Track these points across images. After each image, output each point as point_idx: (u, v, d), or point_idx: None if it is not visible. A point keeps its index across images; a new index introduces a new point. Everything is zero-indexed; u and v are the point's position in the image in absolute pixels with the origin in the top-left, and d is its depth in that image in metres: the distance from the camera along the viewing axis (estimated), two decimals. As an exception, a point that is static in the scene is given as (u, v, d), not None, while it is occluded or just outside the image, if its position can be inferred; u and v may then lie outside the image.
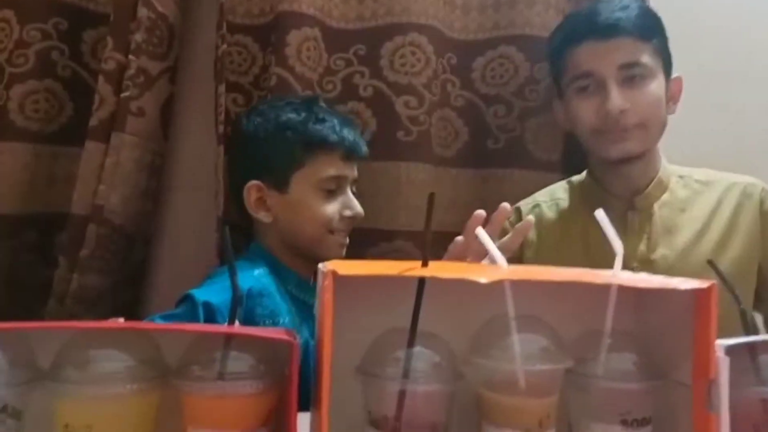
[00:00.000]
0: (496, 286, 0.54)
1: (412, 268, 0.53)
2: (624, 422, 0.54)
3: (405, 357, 0.52)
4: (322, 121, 0.96)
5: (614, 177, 1.04)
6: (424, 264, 0.53)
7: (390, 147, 1.14)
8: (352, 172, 0.98)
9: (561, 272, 0.59)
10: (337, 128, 0.96)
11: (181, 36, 1.15)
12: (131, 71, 1.04)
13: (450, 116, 1.21)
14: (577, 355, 0.56)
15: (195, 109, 1.18)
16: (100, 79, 1.05)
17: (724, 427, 0.51)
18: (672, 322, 0.58)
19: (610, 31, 0.97)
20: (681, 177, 1.06)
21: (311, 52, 1.12)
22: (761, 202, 1.02)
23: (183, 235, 1.16)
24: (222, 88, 1.08)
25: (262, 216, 0.95)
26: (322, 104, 1.02)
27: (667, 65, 1.02)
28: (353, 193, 0.99)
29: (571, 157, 1.18)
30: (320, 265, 0.53)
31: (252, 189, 0.95)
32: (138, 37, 1.04)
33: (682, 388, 0.55)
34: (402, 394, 0.51)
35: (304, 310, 0.94)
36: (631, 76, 0.98)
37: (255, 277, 0.88)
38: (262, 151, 0.95)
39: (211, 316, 0.79)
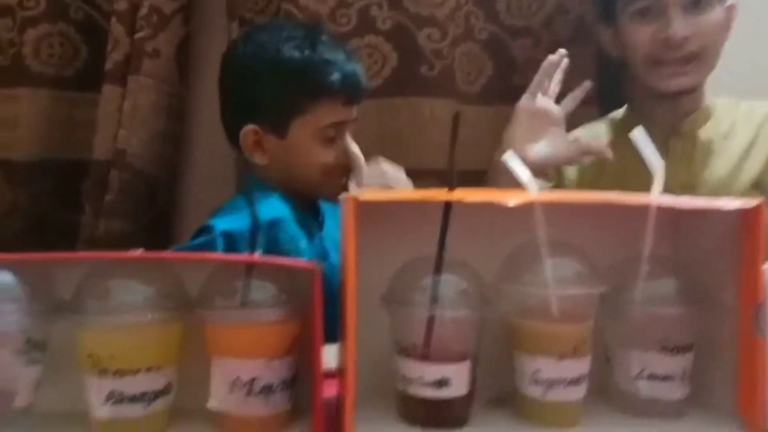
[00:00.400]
0: (526, 210, 0.51)
1: (437, 194, 0.50)
2: (664, 348, 0.52)
3: (432, 284, 0.50)
4: (327, 63, 0.88)
5: (660, 107, 1.00)
6: (450, 189, 0.51)
7: (413, 82, 1.10)
8: (353, 114, 0.92)
9: (596, 195, 0.55)
10: (342, 70, 0.88)
11: (193, -27, 1.11)
12: (144, 11, 1.01)
13: (474, 50, 1.15)
14: (614, 280, 0.53)
15: (212, 49, 1.14)
16: (113, 20, 1.02)
17: (772, 350, 0.49)
18: (715, 244, 0.55)
19: None
20: (725, 104, 1.02)
21: None
22: None
23: (206, 179, 1.15)
24: (235, 25, 1.05)
25: (257, 158, 0.90)
26: (326, 37, 0.93)
27: None
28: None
29: (606, 90, 1.13)
30: (342, 194, 0.51)
31: (249, 133, 0.89)
32: (149, -26, 1.00)
33: (726, 313, 0.52)
34: (430, 321, 0.49)
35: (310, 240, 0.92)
36: (696, 0, 0.92)
37: (272, 204, 0.85)
38: (260, 93, 0.89)
39: (231, 245, 0.78)
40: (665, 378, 0.51)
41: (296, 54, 0.88)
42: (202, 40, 1.15)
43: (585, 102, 1.13)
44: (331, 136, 0.90)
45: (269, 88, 0.88)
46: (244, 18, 1.08)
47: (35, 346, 0.47)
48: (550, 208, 0.51)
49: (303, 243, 0.87)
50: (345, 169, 0.92)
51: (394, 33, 1.09)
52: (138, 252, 0.48)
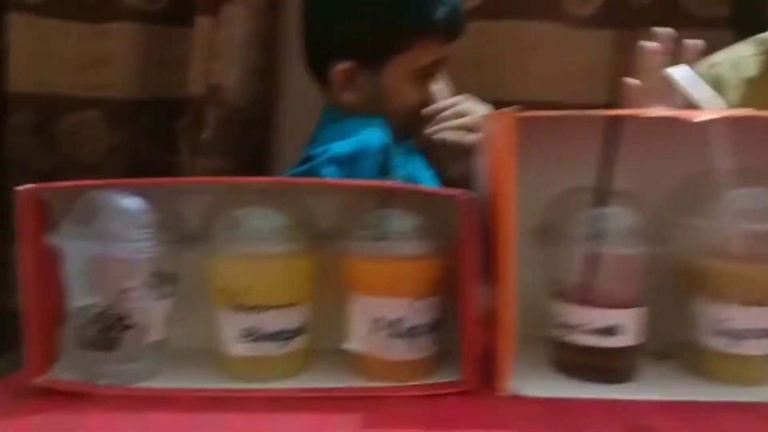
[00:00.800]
0: (705, 133, 0.43)
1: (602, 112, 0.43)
2: None
3: (596, 216, 0.44)
4: None
5: None
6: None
7: (512, 3, 1.00)
8: (448, 52, 0.85)
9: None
10: (452, 9, 0.81)
11: None
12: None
13: None
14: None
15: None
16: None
17: None
18: None
19: None
20: None
21: None
22: None
23: (301, 117, 1.10)
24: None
25: (347, 95, 0.84)
26: None
27: None
28: None
29: (744, 10, 0.99)
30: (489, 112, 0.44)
31: (341, 72, 0.82)
32: None
33: None
34: (593, 259, 0.43)
35: None
36: None
37: (377, 132, 0.79)
38: (355, 29, 0.82)
39: (342, 170, 0.73)
40: None
41: None
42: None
43: (721, 24, 1.01)
44: (426, 76, 0.83)
45: (368, 24, 0.82)
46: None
47: (166, 278, 0.44)
48: (737, 127, 0.43)
49: (405, 173, 0.81)
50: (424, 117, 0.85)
51: None
52: (267, 178, 0.44)
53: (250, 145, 1.04)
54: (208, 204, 0.45)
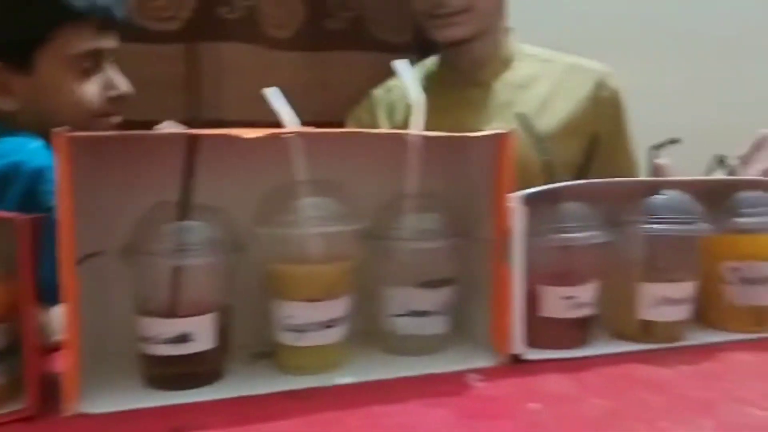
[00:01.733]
0: (284, 150, 0.48)
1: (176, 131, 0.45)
2: (424, 284, 0.51)
3: (177, 231, 0.45)
4: None
5: (454, 55, 1.03)
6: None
7: (212, 25, 1.02)
8: (110, 42, 0.81)
9: (355, 129, 0.53)
10: None
11: None
12: None
13: None
14: (378, 219, 0.52)
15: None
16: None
17: (518, 276, 0.50)
18: (476, 179, 0.55)
19: None
20: (528, 55, 1.04)
21: None
22: (599, 88, 1.02)
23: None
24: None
25: (5, 103, 0.77)
26: None
27: None
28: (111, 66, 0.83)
29: (421, 38, 1.12)
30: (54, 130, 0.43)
31: None
32: None
33: (484, 245, 0.52)
34: (177, 271, 0.45)
35: None
36: None
37: (32, 151, 0.73)
38: None
39: None
40: (425, 313, 0.51)
41: None
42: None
43: (404, 49, 1.13)
44: (88, 67, 0.79)
45: (4, 15, 0.76)
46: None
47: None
48: (308, 142, 0.48)
49: None
50: (114, 107, 0.81)
51: None
52: None
53: None
54: None
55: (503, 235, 0.50)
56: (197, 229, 0.46)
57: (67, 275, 0.41)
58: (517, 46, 1.05)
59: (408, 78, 0.53)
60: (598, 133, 0.99)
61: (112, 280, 0.49)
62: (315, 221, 0.47)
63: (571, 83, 1.02)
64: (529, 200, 0.51)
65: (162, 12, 1.02)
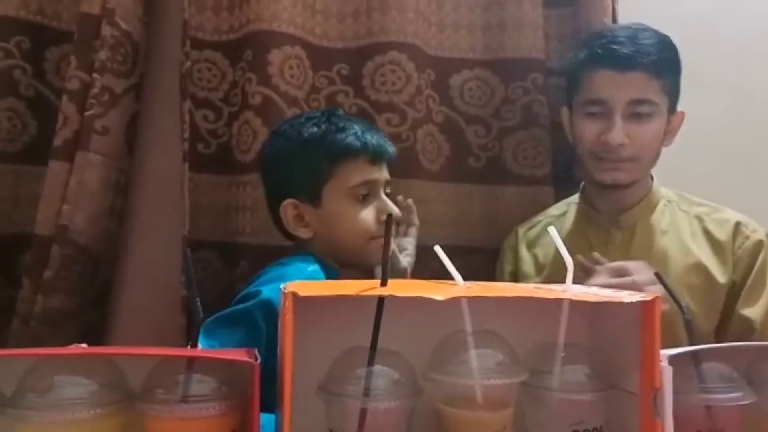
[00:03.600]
0: (454, 303, 0.56)
1: (371, 288, 0.55)
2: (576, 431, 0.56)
3: (366, 375, 0.53)
4: (343, 129, 0.95)
5: (603, 197, 1.10)
6: (383, 284, 0.55)
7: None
8: (382, 174, 0.97)
9: (515, 288, 0.61)
10: (359, 134, 0.95)
11: (146, 53, 1.16)
12: (95, 90, 1.04)
13: (433, 131, 1.22)
14: (532, 368, 0.58)
15: (162, 126, 1.18)
16: (64, 98, 1.05)
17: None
18: (622, 334, 0.60)
19: (628, 63, 1.00)
20: (669, 202, 1.10)
21: (294, 70, 1.13)
22: (738, 236, 1.05)
23: (149, 253, 1.16)
24: (187, 105, 1.08)
25: (302, 232, 0.95)
26: (341, 113, 1.02)
27: (673, 101, 1.06)
28: (388, 195, 0.98)
29: (561, 171, 1.23)
30: (281, 286, 0.54)
31: (288, 207, 0.95)
32: (102, 55, 1.04)
33: (632, 398, 0.57)
34: (363, 412, 0.52)
35: None
36: (638, 112, 1.02)
37: (309, 273, 0.88)
38: (289, 170, 0.95)
39: (271, 314, 0.79)
40: (579, 460, 0.56)
41: (314, 128, 0.95)
42: (153, 116, 1.18)
43: (542, 182, 1.22)
44: (364, 194, 0.94)
45: (296, 163, 0.94)
46: (195, 96, 1.13)
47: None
48: (475, 301, 0.56)
49: None
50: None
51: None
52: (80, 348, 0.50)
53: (95, 284, 1.07)
54: (25, 368, 0.50)
55: (651, 392, 0.55)
56: (383, 374, 0.54)
57: (287, 406, 0.50)
58: (661, 191, 1.11)
59: (559, 244, 0.61)
60: (735, 282, 1.03)
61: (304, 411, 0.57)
62: (484, 371, 0.54)
63: (711, 230, 1.06)
64: (673, 360, 0.55)
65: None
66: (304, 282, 0.58)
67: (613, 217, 1.08)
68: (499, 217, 1.22)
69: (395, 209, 0.97)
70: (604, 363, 0.59)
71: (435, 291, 0.53)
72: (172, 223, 1.08)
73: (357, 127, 0.96)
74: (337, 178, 0.94)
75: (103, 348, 0.51)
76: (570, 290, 0.57)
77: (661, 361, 0.55)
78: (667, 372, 0.55)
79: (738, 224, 1.06)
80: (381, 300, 0.55)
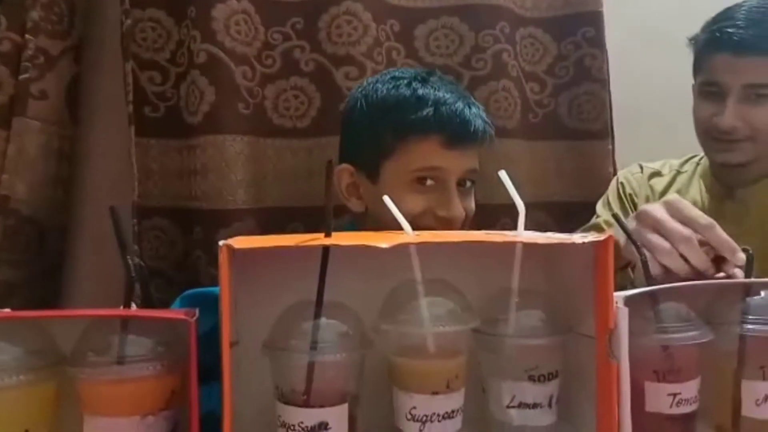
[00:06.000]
0: (404, 253, 0.54)
1: (313, 239, 0.52)
2: (531, 378, 0.55)
3: (312, 328, 0.51)
4: (420, 99, 0.80)
5: (720, 171, 1.06)
6: (327, 235, 0.52)
7: (335, 122, 1.12)
8: (459, 162, 0.81)
9: (465, 234, 0.59)
10: (440, 108, 0.79)
11: (86, 13, 1.09)
12: (29, 52, 0.98)
13: None
14: (487, 315, 0.57)
15: (107, 90, 1.12)
16: (-5, 61, 0.98)
17: (624, 374, 0.53)
18: (576, 277, 0.59)
19: (744, 47, 0.96)
20: None
21: (241, 26, 1.07)
22: None
23: (101, 222, 1.11)
24: (130, 65, 1.03)
25: (353, 204, 0.85)
26: (435, 78, 0.85)
27: None
28: (468, 188, 0.83)
29: None
30: (220, 242, 0.51)
31: (344, 173, 0.84)
32: (34, 14, 0.98)
33: (588, 341, 0.56)
34: (311, 366, 0.50)
35: None
36: (754, 95, 0.98)
37: None
38: (354, 134, 0.85)
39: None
40: (534, 405, 0.55)
41: (391, 92, 0.82)
42: (96, 79, 1.13)
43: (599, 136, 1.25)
44: (426, 185, 0.80)
45: (362, 127, 0.84)
46: (140, 57, 1.07)
47: None
48: (426, 250, 0.54)
49: None
50: (441, 226, 0.80)
51: (315, 74, 1.11)
52: (3, 312, 0.47)
53: (44, 256, 1.03)
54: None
55: (607, 334, 0.54)
56: (330, 327, 0.52)
57: (226, 363, 0.47)
58: None
59: (511, 188, 0.59)
60: None
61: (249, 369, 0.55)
62: (434, 320, 0.52)
63: None
64: (630, 301, 0.54)
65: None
66: (246, 237, 0.56)
67: (730, 191, 1.06)
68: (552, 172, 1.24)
69: (459, 210, 0.81)
70: (560, 307, 0.58)
71: (381, 239, 0.51)
72: (123, 189, 1.04)
73: (441, 98, 0.80)
74: (400, 157, 0.80)
75: (28, 312, 0.48)
76: (522, 235, 0.56)
77: (616, 302, 0.54)
78: (622, 313, 0.54)
79: None
80: (326, 250, 0.52)
